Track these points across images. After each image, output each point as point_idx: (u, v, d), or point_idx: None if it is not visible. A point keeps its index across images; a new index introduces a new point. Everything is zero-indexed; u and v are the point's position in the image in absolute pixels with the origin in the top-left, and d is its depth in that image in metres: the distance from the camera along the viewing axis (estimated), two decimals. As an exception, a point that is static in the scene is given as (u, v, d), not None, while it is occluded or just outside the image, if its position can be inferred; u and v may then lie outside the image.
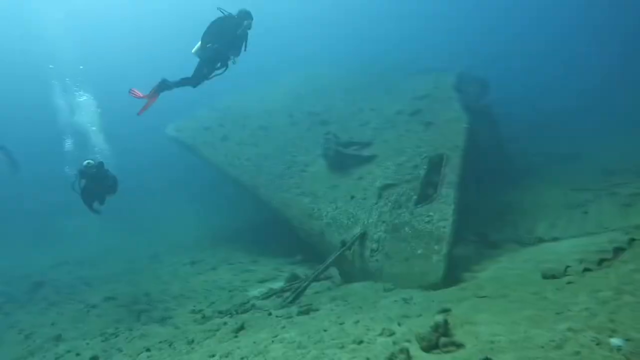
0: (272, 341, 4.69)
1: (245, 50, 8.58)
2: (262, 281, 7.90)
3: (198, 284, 8.32)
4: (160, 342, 5.41)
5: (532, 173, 12.95)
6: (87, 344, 6.11)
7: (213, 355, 4.51)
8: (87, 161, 8.00)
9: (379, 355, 3.70)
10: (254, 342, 4.72)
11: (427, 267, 6.39)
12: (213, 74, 8.54)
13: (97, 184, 8.17)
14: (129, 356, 5.19)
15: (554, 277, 4.49)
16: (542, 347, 2.98)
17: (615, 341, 2.70)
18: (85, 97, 10.08)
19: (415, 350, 3.72)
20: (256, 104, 17.24)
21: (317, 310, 5.80)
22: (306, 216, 9.04)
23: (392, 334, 4.23)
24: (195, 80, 8.49)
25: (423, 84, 13.89)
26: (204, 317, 6.20)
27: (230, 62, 8.53)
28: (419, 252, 6.70)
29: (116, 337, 6.12)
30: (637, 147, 14.17)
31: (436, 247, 6.53)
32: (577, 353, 2.75)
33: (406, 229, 7.22)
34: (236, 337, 5.13)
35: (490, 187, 10.60)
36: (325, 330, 4.78)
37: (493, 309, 4.13)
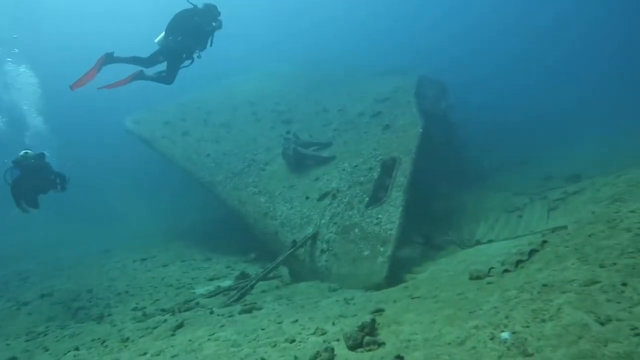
0: (208, 339, 4.76)
1: (210, 46, 8.56)
2: (212, 279, 7.90)
3: (145, 281, 8.21)
4: (92, 340, 5.35)
5: (483, 178, 13.48)
6: (8, 344, 5.87)
7: (145, 354, 4.53)
8: (24, 151, 7.47)
9: (306, 354, 3.84)
10: (190, 341, 4.77)
11: (372, 268, 6.60)
12: (181, 66, 8.44)
13: (33, 178, 7.51)
14: (54, 356, 5.08)
15: (478, 278, 4.77)
16: (449, 343, 3.20)
17: (504, 335, 2.95)
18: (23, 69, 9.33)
19: (341, 349, 3.89)
20: (220, 99, 17.13)
21: (260, 309, 5.89)
22: (261, 215, 9.11)
23: (324, 333, 4.39)
24: (168, 78, 8.38)
25: (386, 86, 14.19)
26: (144, 314, 6.16)
27: (195, 56, 8.49)
28: (366, 253, 6.90)
29: (44, 335, 5.97)
30: (581, 154, 15.03)
31: (382, 249, 6.76)
32: (474, 348, 2.98)
33: (356, 230, 7.42)
34: (173, 335, 5.16)
35: (442, 190, 10.97)
36: (262, 329, 4.90)
37: (420, 309, 4.35)
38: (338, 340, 4.06)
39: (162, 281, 8.12)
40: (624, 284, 3.02)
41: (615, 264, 3.41)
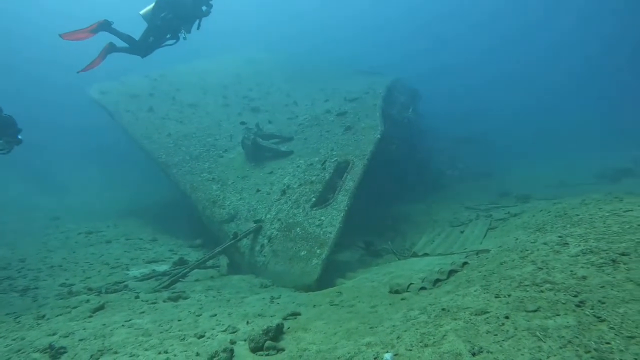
0: (122, 325, 4.72)
1: (198, 29, 8.42)
2: (150, 262, 7.80)
3: (83, 256, 8.04)
4: (7, 314, 5.23)
5: (444, 188, 13.76)
6: None
7: (54, 334, 4.44)
8: None
9: (209, 351, 3.85)
10: (103, 325, 4.72)
11: (305, 269, 6.65)
12: (163, 44, 8.30)
13: None
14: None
15: (397, 292, 4.88)
16: (338, 358, 3.27)
17: (386, 356, 3.04)
18: None
19: (244, 350, 3.92)
20: (193, 78, 16.82)
21: (186, 298, 5.88)
22: (210, 202, 9.03)
23: (235, 331, 4.41)
24: (144, 50, 8.18)
25: (359, 85, 14.22)
26: (70, 292, 6.05)
27: (181, 36, 8.34)
28: (302, 253, 6.95)
29: (-40, 305, 5.82)
30: (543, 173, 15.55)
31: (318, 251, 6.81)
32: (356, 366, 3.07)
33: (297, 229, 7.45)
34: (90, 317, 5.09)
35: (396, 197, 11.13)
36: (179, 320, 4.89)
37: (332, 318, 4.42)
38: (245, 340, 4.09)
39: (99, 258, 7.97)
40: (507, 317, 3.14)
41: (509, 295, 3.54)
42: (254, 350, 3.84)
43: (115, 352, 4.01)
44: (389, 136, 11.04)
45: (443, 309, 3.67)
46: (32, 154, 18.79)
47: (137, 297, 5.79)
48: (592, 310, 2.99)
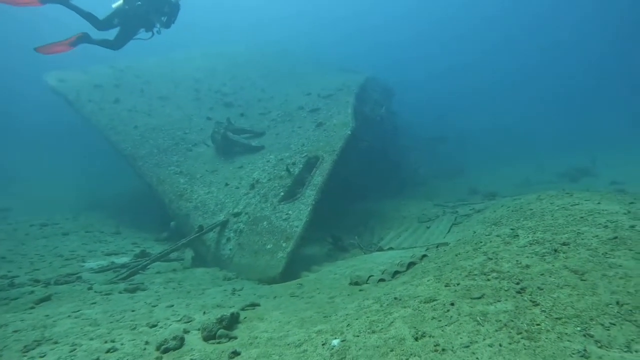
0: (69, 316, 4.57)
1: (173, 23, 8.34)
2: (110, 254, 7.60)
3: (34, 248, 7.73)
4: (-61, 309, 5.00)
5: (415, 185, 13.95)
6: None
7: (-20, 327, 4.27)
8: None
9: (158, 340, 3.78)
10: (46, 316, 4.55)
11: (270, 262, 6.63)
12: (136, 36, 8.19)
13: None
14: None
15: (357, 284, 4.92)
16: (288, 344, 3.27)
17: (334, 342, 3.05)
18: None
19: (196, 338, 3.87)
20: (164, 71, 16.51)
21: (144, 290, 5.76)
22: (177, 195, 8.88)
23: (189, 321, 4.35)
24: (118, 44, 8.06)
25: (334, 82, 14.24)
26: (12, 284, 5.79)
27: (155, 30, 8.22)
28: (268, 247, 6.92)
29: None
30: (512, 172, 15.97)
31: (284, 245, 6.80)
32: (304, 351, 3.07)
33: (264, 223, 7.41)
34: (32, 308, 4.90)
35: (367, 194, 11.21)
36: (132, 311, 4.78)
37: (290, 308, 4.42)
38: (199, 329, 4.03)
39: (53, 250, 7.70)
40: (452, 304, 3.21)
41: (458, 284, 3.61)
42: (207, 338, 3.80)
43: (55, 342, 3.87)
44: (361, 133, 11.11)
45: (395, 298, 3.72)
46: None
47: (89, 289, 5.63)
48: (530, 296, 3.09)
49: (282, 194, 7.97)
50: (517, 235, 4.53)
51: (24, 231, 9.30)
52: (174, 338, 3.68)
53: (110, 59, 14.97)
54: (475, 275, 3.71)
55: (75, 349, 3.73)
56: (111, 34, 8.15)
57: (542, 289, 3.10)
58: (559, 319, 2.64)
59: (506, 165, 18.44)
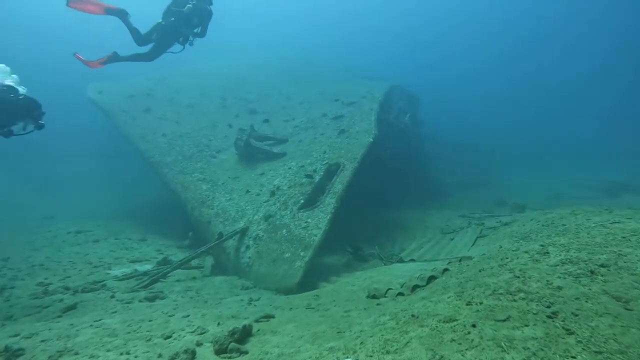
0: (90, 325, 4.62)
1: (203, 36, 8.58)
2: (134, 261, 7.70)
3: (67, 255, 7.95)
4: (-23, 314, 5.15)
5: (441, 195, 13.59)
6: None
7: (16, 335, 4.35)
8: None
9: (171, 352, 3.74)
10: (71, 325, 4.62)
11: (288, 271, 6.53)
12: (169, 50, 8.45)
13: None
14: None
15: (374, 297, 4.75)
16: (298, 363, 3.15)
17: (346, 360, 2.92)
18: None
19: (208, 351, 3.80)
20: (193, 80, 16.82)
21: (163, 298, 5.77)
22: (199, 202, 8.94)
23: (203, 332, 4.30)
24: (152, 56, 8.32)
25: (359, 90, 14.12)
26: (46, 291, 5.95)
27: (187, 43, 8.46)
28: (286, 255, 6.83)
29: (-61, 302, 5.75)
30: (543, 184, 15.35)
31: (302, 254, 6.69)
32: (315, 370, 2.95)
33: (284, 231, 7.34)
34: (60, 317, 4.99)
35: (390, 203, 10.98)
36: (150, 321, 4.78)
37: (304, 321, 4.30)
38: (212, 342, 3.97)
39: (84, 257, 7.89)
40: (474, 325, 3.00)
41: (481, 303, 3.40)
42: (218, 352, 3.73)
43: (76, 353, 3.91)
44: (384, 141, 10.93)
45: (413, 315, 3.54)
46: (32, 153, 18.92)
47: (112, 297, 5.70)
48: (562, 322, 2.84)
49: (301, 201, 7.88)
50: (548, 253, 4.25)
51: (61, 238, 9.62)
52: (185, 352, 3.62)
53: (146, 71, 15.46)
54: (500, 294, 3.48)
55: (92, 361, 3.75)
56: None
57: (577, 315, 2.84)
58: (600, 352, 2.39)
59: (536, 176, 17.75)
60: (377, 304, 4.43)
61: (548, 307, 3.11)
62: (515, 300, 3.31)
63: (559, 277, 3.57)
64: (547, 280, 3.55)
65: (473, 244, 6.98)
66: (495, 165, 19.31)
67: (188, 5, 8.17)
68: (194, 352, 3.66)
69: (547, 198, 12.87)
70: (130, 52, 8.28)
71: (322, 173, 8.51)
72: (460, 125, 26.17)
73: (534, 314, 3.04)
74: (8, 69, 6.05)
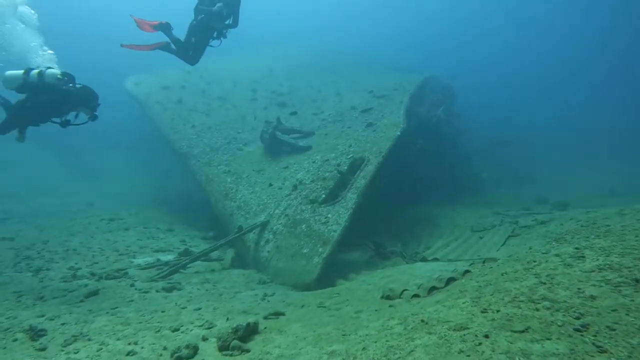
0: (107, 312, 4.69)
1: (235, 26, 8.39)
2: (158, 251, 7.81)
3: (98, 242, 8.20)
4: (13, 292, 5.35)
5: (475, 191, 13.00)
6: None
7: (42, 316, 4.51)
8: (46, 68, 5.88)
9: (175, 346, 3.68)
10: (89, 310, 4.71)
11: (306, 267, 6.37)
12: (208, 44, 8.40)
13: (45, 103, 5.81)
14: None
15: (389, 298, 4.51)
16: (297, 365, 2.98)
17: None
18: None
19: (212, 347, 3.72)
20: (225, 72, 16.94)
21: (180, 289, 5.78)
22: (223, 195, 8.95)
23: (211, 327, 4.23)
24: (191, 57, 8.37)
25: (390, 82, 13.72)
26: (74, 276, 6.14)
27: (222, 38, 8.34)
28: (305, 251, 6.67)
29: (-19, 279, 6.05)
30: (593, 180, 14.36)
31: (320, 250, 6.51)
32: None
33: (303, 226, 7.18)
34: (82, 302, 5.12)
35: (419, 198, 10.59)
36: (162, 312, 4.78)
37: (312, 321, 4.13)
38: (217, 337, 3.89)
39: (112, 245, 8.10)
40: (486, 336, 2.72)
41: (498, 310, 3.09)
42: (221, 348, 3.64)
43: (89, 339, 3.96)
44: (413, 135, 10.53)
45: (422, 321, 3.28)
46: (77, 142, 19.78)
47: (132, 285, 5.77)
48: (593, 338, 2.51)
49: (323, 195, 7.69)
50: (583, 257, 3.84)
51: (95, 225, 9.94)
52: (187, 347, 3.55)
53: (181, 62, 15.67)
54: (521, 301, 3.16)
55: (101, 349, 3.79)
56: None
57: (613, 330, 2.50)
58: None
59: (587, 171, 16.58)
60: (390, 306, 4.18)
61: (577, 318, 2.78)
62: (537, 309, 2.99)
63: (594, 285, 3.20)
64: (579, 288, 3.19)
65: (503, 244, 6.55)
66: (539, 161, 18.29)
67: (218, 5, 8.03)
68: (196, 348, 3.58)
69: (597, 196, 11.95)
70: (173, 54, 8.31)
71: (346, 167, 8.28)
72: (500, 117, 25.01)
73: (559, 325, 2.72)
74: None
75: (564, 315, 2.84)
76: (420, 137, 10.93)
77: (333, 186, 7.81)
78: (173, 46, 8.16)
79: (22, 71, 5.82)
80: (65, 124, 5.97)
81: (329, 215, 7.09)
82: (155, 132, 13.02)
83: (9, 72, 5.85)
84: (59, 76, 5.85)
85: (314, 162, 9.05)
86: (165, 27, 8.07)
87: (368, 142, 9.01)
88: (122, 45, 8.02)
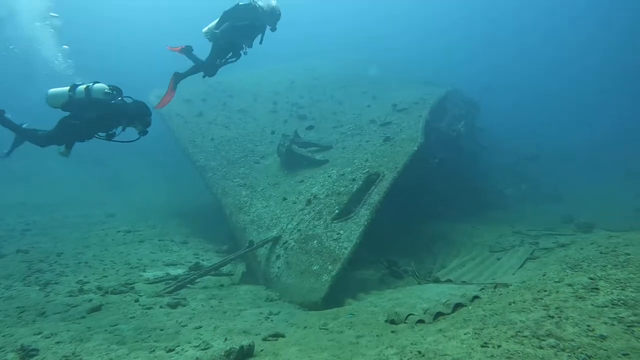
0: (105, 330, 4.67)
1: (260, 43, 8.32)
2: (169, 264, 7.84)
3: (111, 254, 8.30)
4: (17, 307, 5.43)
5: (497, 208, 12.59)
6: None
7: (39, 334, 4.49)
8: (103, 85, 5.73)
9: (167, 368, 3.63)
10: (88, 328, 4.70)
11: (315, 284, 6.25)
12: (225, 61, 8.36)
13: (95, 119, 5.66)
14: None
15: (393, 322, 4.33)
16: (282, 397, 2.86)
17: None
18: None
19: (203, 370, 3.64)
20: (247, 85, 17.16)
21: (184, 305, 5.75)
22: (237, 208, 8.95)
23: (206, 348, 4.15)
24: (210, 70, 8.36)
25: (412, 96, 13.54)
26: (81, 290, 6.19)
27: (242, 52, 8.27)
28: (315, 268, 6.55)
29: (-13, 293, 6.19)
30: (622, 201, 13.62)
31: (330, 267, 6.37)
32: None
33: (315, 242, 7.07)
34: (83, 318, 5.12)
35: (437, 215, 10.31)
36: (161, 330, 4.74)
37: (310, 345, 3.99)
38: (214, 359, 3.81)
39: (125, 258, 8.17)
40: (481, 376, 2.54)
41: (499, 346, 2.88)
42: (213, 372, 3.55)
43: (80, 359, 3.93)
44: (432, 150, 10.31)
45: (419, 352, 3.11)
46: (105, 153, 20.39)
47: (136, 301, 5.77)
48: (598, 385, 2.30)
49: (336, 211, 7.57)
50: (597, 289, 3.58)
51: (111, 237, 10.09)
52: (176, 369, 3.48)
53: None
54: (525, 337, 2.95)
55: (91, 369, 3.74)
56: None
57: (620, 378, 2.29)
58: None
59: (620, 189, 15.72)
60: (392, 331, 4.01)
61: (583, 360, 2.56)
62: (541, 347, 2.78)
63: (605, 323, 2.96)
64: (588, 325, 2.96)
65: (520, 267, 6.24)
66: (568, 178, 17.54)
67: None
68: (186, 370, 3.51)
69: (629, 218, 11.24)
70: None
71: (360, 182, 8.14)
72: (526, 131, 24.28)
73: (562, 367, 2.51)
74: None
75: (570, 356, 2.63)
76: (439, 151, 10.68)
77: (347, 201, 7.68)
78: (182, 72, 8.21)
79: (67, 88, 5.69)
80: (111, 137, 5.84)
81: (341, 232, 6.95)
82: (175, 144, 13.25)
83: (53, 90, 5.72)
84: (107, 90, 5.73)
85: (329, 176, 8.95)
86: (178, 78, 8.24)
87: (385, 156, 8.86)
88: (156, 107, 8.31)
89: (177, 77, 8.34)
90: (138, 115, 5.86)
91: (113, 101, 5.75)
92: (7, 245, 9.11)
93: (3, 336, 4.49)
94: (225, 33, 7.98)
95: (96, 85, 5.73)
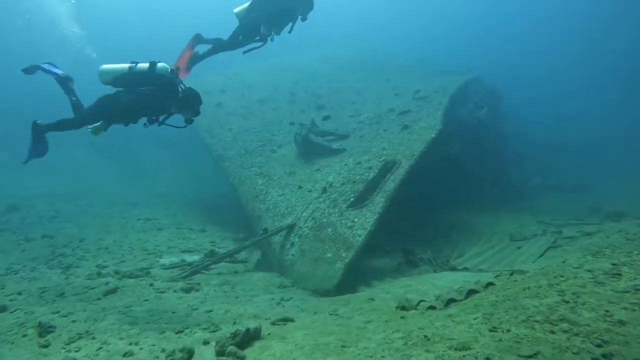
0: (119, 311, 4.76)
1: (290, 32, 8.03)
2: (185, 251, 7.95)
3: (130, 241, 8.49)
4: (39, 288, 5.62)
5: (521, 198, 12.21)
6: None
7: (57, 312, 4.64)
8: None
9: (174, 348, 3.65)
10: (103, 309, 4.81)
11: (328, 272, 6.20)
12: (250, 47, 8.00)
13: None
14: (5, 295, 5.43)
15: (403, 308, 4.22)
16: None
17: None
18: None
19: (209, 352, 3.65)
20: (267, 76, 17.15)
21: (198, 290, 5.80)
22: (253, 196, 8.98)
23: (215, 330, 4.19)
24: (230, 46, 7.98)
25: (432, 84, 13.23)
26: (99, 273, 6.35)
27: (269, 38, 7.90)
28: (328, 255, 6.50)
29: (15, 274, 6.42)
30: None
31: (343, 255, 6.31)
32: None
33: (329, 229, 7.01)
34: (98, 299, 5.24)
35: (457, 204, 10.07)
36: (173, 312, 4.80)
37: (317, 329, 3.94)
38: (216, 342, 3.82)
39: (143, 244, 8.34)
40: (488, 359, 2.42)
41: (508, 330, 2.75)
42: (218, 354, 3.56)
43: (93, 338, 4.01)
44: (452, 137, 10.05)
45: (425, 336, 3.01)
46: (129, 142, 20.81)
47: (151, 285, 5.86)
48: (615, 371, 2.16)
49: (352, 199, 7.48)
50: (619, 274, 3.39)
51: (131, 225, 10.34)
52: (182, 350, 3.50)
53: (224, 66, 16.03)
54: (536, 321, 2.81)
55: (102, 348, 3.82)
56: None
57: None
58: None
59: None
60: (402, 317, 3.90)
61: (599, 346, 2.42)
62: (553, 332, 2.64)
63: (625, 309, 2.79)
64: (606, 311, 2.79)
65: (541, 255, 6.01)
66: (597, 168, 16.85)
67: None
68: (191, 352, 3.52)
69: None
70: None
71: (376, 170, 8.02)
72: (549, 120, 23.41)
73: (575, 353, 2.38)
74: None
75: (583, 341, 2.48)
76: (459, 139, 10.40)
77: (363, 189, 7.58)
78: (200, 52, 7.76)
79: (125, 64, 5.36)
80: (155, 121, 5.46)
81: (356, 219, 6.87)
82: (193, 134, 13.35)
83: (108, 66, 5.40)
84: (171, 68, 5.52)
85: (346, 164, 8.86)
86: (197, 40, 7.82)
87: (402, 144, 8.69)
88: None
89: (198, 39, 7.87)
90: (190, 101, 5.46)
91: (176, 80, 5.46)
92: (35, 231, 9.45)
93: (24, 313, 4.66)
94: (256, 16, 7.78)
95: (160, 63, 5.47)
